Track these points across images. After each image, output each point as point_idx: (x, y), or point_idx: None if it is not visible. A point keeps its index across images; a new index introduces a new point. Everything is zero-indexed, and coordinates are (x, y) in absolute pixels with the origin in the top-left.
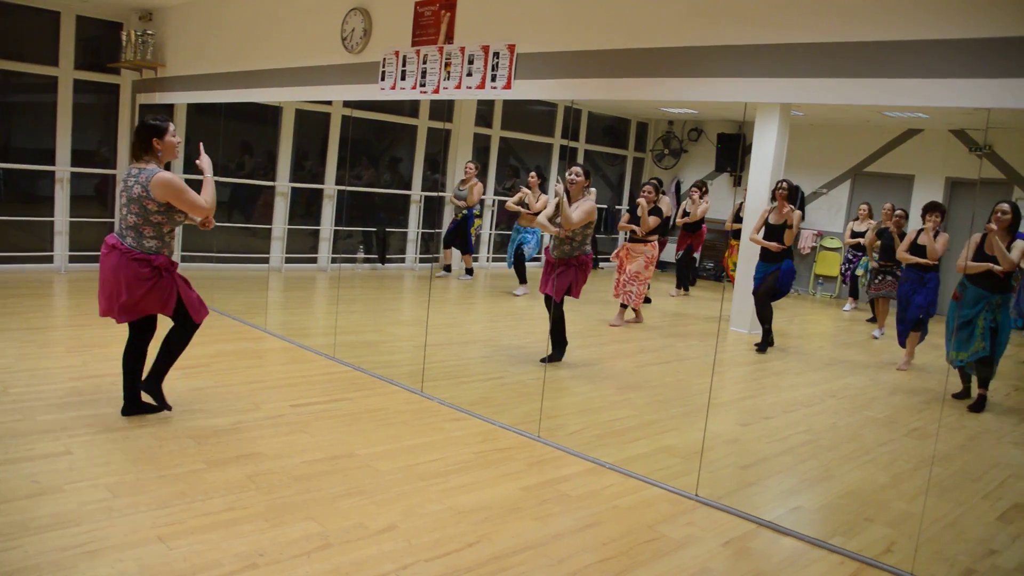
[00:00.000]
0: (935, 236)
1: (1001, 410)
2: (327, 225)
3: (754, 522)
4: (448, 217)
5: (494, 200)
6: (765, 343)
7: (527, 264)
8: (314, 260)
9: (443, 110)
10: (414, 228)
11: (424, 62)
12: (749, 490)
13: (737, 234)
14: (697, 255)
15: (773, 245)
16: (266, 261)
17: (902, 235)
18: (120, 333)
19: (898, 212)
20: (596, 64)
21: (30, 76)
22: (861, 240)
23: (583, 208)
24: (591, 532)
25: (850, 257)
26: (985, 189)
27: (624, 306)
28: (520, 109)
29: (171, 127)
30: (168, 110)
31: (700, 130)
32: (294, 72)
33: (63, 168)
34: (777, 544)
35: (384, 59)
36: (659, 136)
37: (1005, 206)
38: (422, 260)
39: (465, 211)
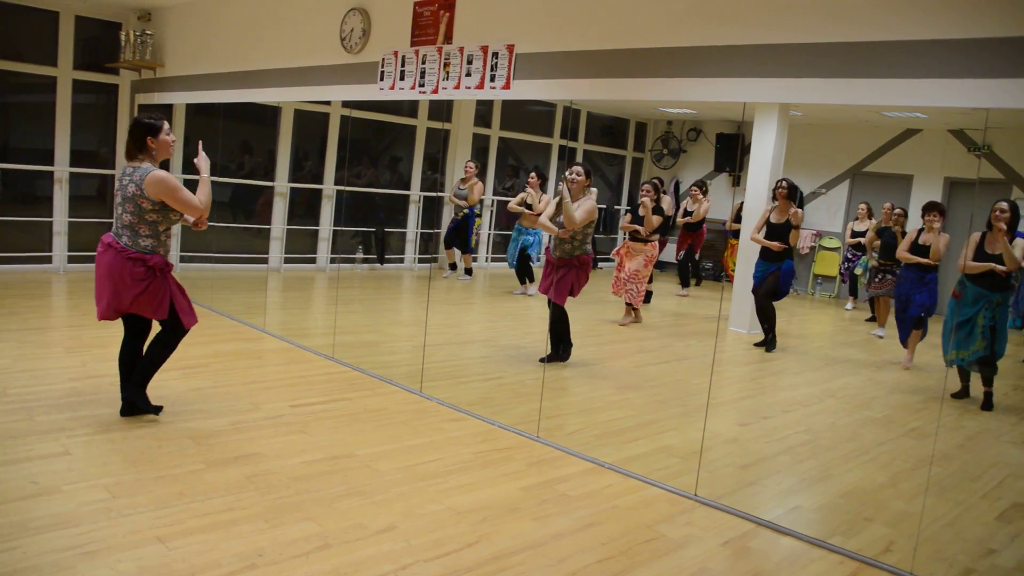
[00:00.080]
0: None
1: (1000, 409)
2: (326, 225)
3: (753, 522)
4: (447, 217)
5: (493, 200)
6: (770, 344)
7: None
8: (313, 260)
9: (442, 110)
10: (413, 228)
11: (423, 62)
12: (748, 490)
13: (737, 234)
14: (696, 255)
15: (775, 245)
16: (265, 261)
17: (903, 234)
18: (119, 334)
19: (897, 211)
20: (595, 64)
21: (29, 76)
22: (861, 240)
23: (584, 207)
24: (590, 532)
25: (849, 256)
26: (984, 189)
27: (630, 305)
28: (519, 109)
29: (165, 125)
30: (167, 110)
31: (699, 130)
32: (293, 72)
33: (62, 168)
34: (776, 544)
35: (383, 59)
36: (658, 136)
37: (1004, 204)
38: (421, 260)
39: (466, 211)
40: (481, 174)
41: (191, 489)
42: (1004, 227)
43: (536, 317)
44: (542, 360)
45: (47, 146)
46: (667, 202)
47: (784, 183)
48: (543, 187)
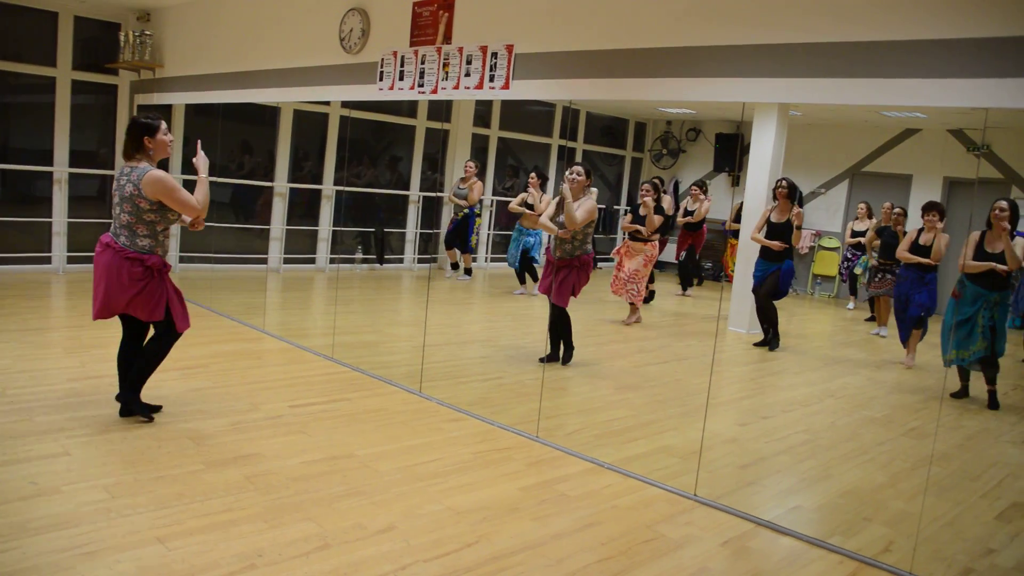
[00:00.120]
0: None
1: (999, 409)
2: (325, 225)
3: (753, 522)
4: (446, 217)
5: (492, 200)
6: (773, 343)
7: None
8: (312, 260)
9: (441, 110)
10: (412, 228)
11: (422, 62)
12: (748, 490)
13: (736, 234)
14: (697, 255)
15: (776, 244)
16: (264, 262)
17: (904, 233)
18: (118, 334)
19: (896, 210)
20: (594, 64)
21: (28, 77)
22: (861, 239)
23: (585, 207)
24: (590, 532)
25: (849, 256)
26: (983, 188)
27: (633, 304)
28: (518, 109)
29: (163, 125)
30: (166, 111)
31: (698, 130)
32: (292, 72)
33: (61, 169)
34: (776, 544)
35: (382, 59)
36: (657, 136)
37: (1004, 203)
38: (420, 260)
39: (466, 211)
40: (480, 174)
41: (190, 489)
42: (1008, 226)
43: (536, 317)
44: (542, 360)
45: (46, 146)
46: (667, 202)
47: (784, 182)
48: (543, 187)
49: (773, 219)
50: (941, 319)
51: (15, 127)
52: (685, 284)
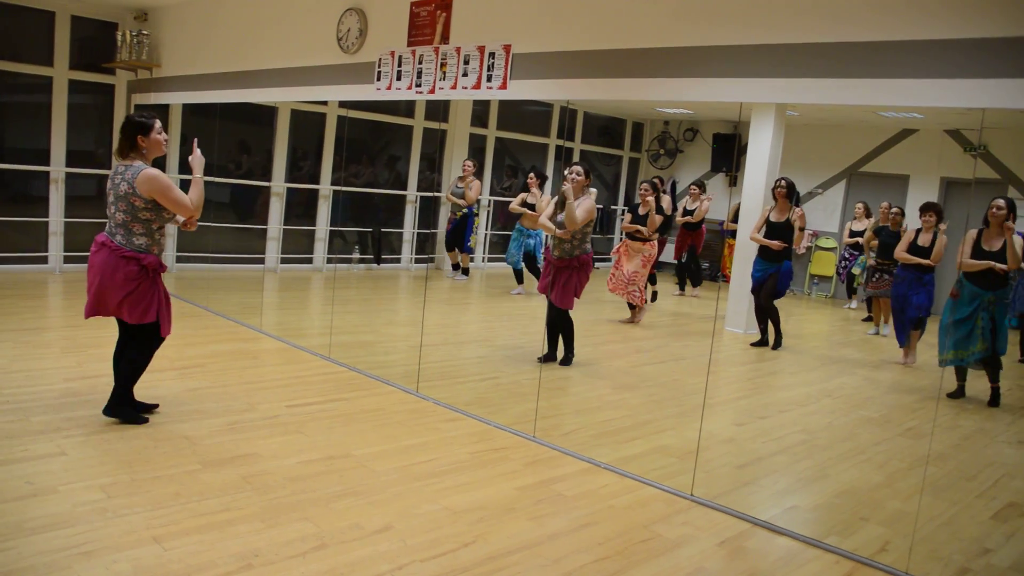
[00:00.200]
0: (934, 237)
1: (996, 409)
2: (322, 225)
3: (749, 522)
4: (444, 217)
5: (490, 200)
6: (776, 342)
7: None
8: (310, 260)
9: (439, 110)
10: (410, 228)
11: (420, 62)
12: (744, 490)
13: (734, 234)
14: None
15: (776, 244)
16: (261, 261)
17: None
18: (114, 334)
19: (894, 210)
20: (592, 64)
21: (25, 76)
22: (859, 240)
23: (584, 207)
24: (587, 532)
25: (846, 256)
26: (980, 189)
27: (632, 306)
28: (516, 109)
29: (157, 124)
30: (163, 110)
31: (696, 130)
32: (290, 72)
33: (58, 168)
34: (772, 544)
35: (380, 59)
36: (655, 136)
37: (1001, 202)
38: (417, 260)
39: (464, 210)
40: (478, 174)
41: (187, 489)
42: (1012, 225)
43: (533, 317)
44: (540, 359)
45: (43, 146)
46: (666, 201)
47: (783, 182)
48: (541, 187)
49: (772, 219)
50: (938, 319)
51: (12, 127)
52: (682, 283)
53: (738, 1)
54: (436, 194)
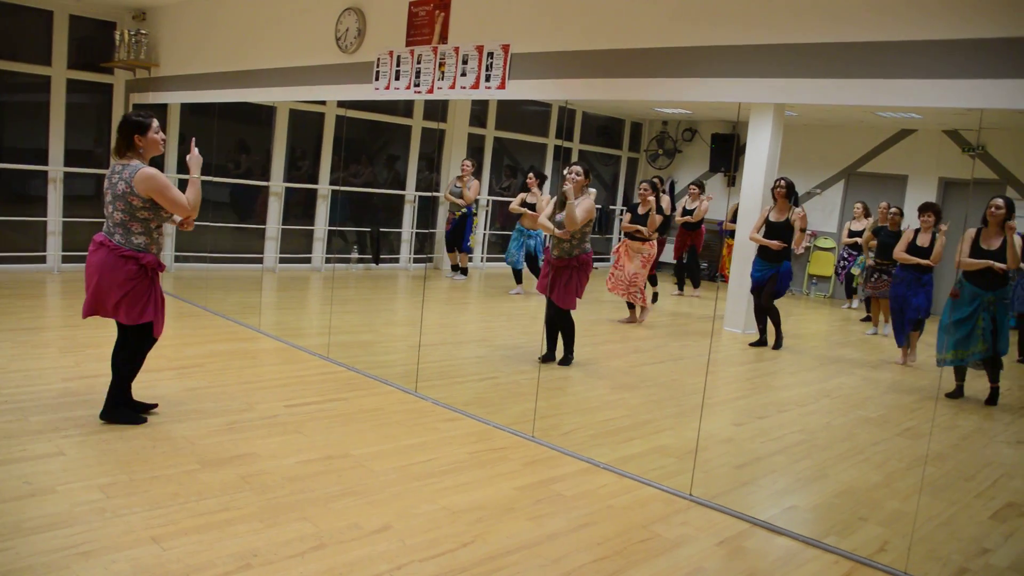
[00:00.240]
0: (933, 237)
1: (995, 409)
2: (321, 225)
3: (748, 522)
4: (443, 217)
5: (488, 200)
6: (778, 342)
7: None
8: (308, 260)
9: (437, 110)
10: (408, 228)
11: (418, 62)
12: (743, 490)
13: (733, 234)
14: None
15: (775, 244)
16: (260, 261)
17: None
18: (113, 334)
19: (893, 210)
20: (591, 64)
21: (23, 76)
22: (858, 240)
23: (583, 206)
24: (585, 532)
25: (845, 256)
26: (978, 189)
27: (632, 306)
28: (514, 109)
29: (154, 123)
30: (162, 110)
31: (694, 130)
32: (288, 72)
33: (56, 168)
34: (771, 544)
35: (378, 59)
36: (653, 136)
37: (999, 201)
38: (416, 260)
39: (463, 210)
40: (477, 174)
41: (186, 489)
42: (1015, 225)
43: (532, 317)
44: (540, 359)
45: (41, 145)
46: (665, 201)
47: (782, 182)
48: (540, 186)
49: (771, 219)
50: (937, 319)
51: (10, 126)
52: (681, 283)
53: (737, 1)
54: (435, 194)
